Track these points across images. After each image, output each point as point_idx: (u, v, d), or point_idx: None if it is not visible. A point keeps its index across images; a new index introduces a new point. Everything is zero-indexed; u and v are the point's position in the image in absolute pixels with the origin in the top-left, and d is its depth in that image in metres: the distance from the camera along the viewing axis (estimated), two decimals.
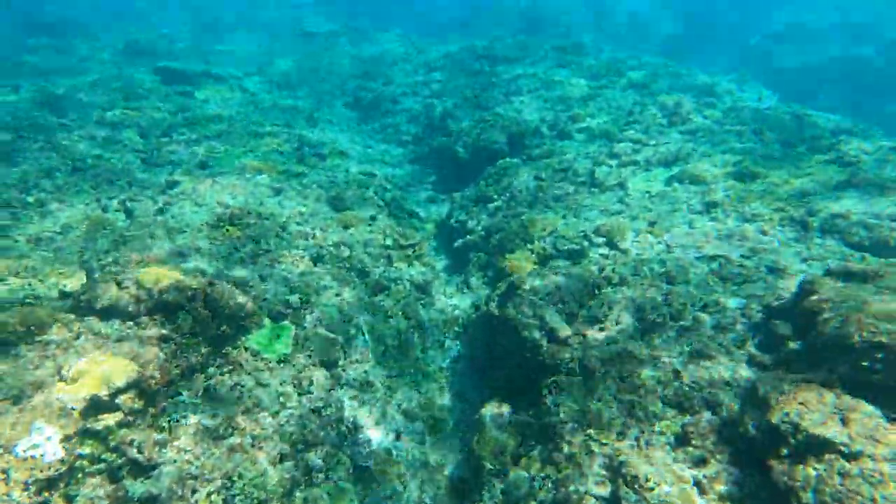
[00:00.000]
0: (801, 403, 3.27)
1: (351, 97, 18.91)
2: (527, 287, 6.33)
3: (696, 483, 3.60)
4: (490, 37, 21.95)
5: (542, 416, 4.99)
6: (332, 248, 7.79)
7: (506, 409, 5.65)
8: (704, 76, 15.55)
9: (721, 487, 3.52)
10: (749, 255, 6.28)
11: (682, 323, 5.38)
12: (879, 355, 3.33)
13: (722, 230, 6.96)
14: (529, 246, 8.34)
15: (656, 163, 9.60)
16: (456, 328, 8.09)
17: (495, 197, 10.34)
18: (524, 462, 4.66)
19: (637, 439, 4.11)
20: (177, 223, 7.22)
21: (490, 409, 5.60)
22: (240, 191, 8.55)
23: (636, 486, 3.64)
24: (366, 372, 6.15)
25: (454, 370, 7.26)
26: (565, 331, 5.78)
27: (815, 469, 2.92)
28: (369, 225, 8.85)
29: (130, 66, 18.18)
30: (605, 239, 7.52)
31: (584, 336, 5.71)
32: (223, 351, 5.24)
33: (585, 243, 7.64)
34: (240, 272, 6.39)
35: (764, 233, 6.68)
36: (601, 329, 5.75)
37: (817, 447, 3.03)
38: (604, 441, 4.19)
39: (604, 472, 4.01)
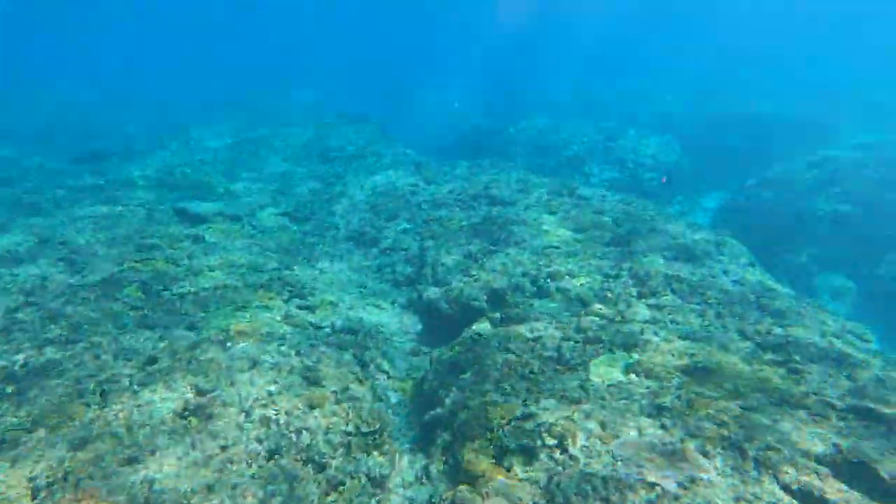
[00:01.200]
0: None
1: (356, 231, 20.04)
2: None
3: None
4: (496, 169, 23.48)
5: None
6: (292, 437, 8.06)
7: None
8: (684, 229, 16.23)
9: None
10: (687, 484, 6.33)
11: None
12: None
13: (666, 445, 7.06)
14: (489, 435, 8.48)
15: (619, 345, 9.90)
16: None
17: (466, 367, 10.64)
18: None
19: None
20: (141, 417, 7.64)
21: None
22: (214, 368, 9.04)
23: None
24: None
25: None
26: None
27: None
28: (336, 403, 9.15)
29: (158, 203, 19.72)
30: (557, 441, 7.65)
31: None
32: None
33: (539, 442, 7.77)
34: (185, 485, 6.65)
35: (705, 455, 6.76)
36: None
37: None
38: None
39: None
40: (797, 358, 8.43)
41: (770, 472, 6.22)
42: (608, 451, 7.22)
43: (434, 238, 18.30)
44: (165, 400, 7.99)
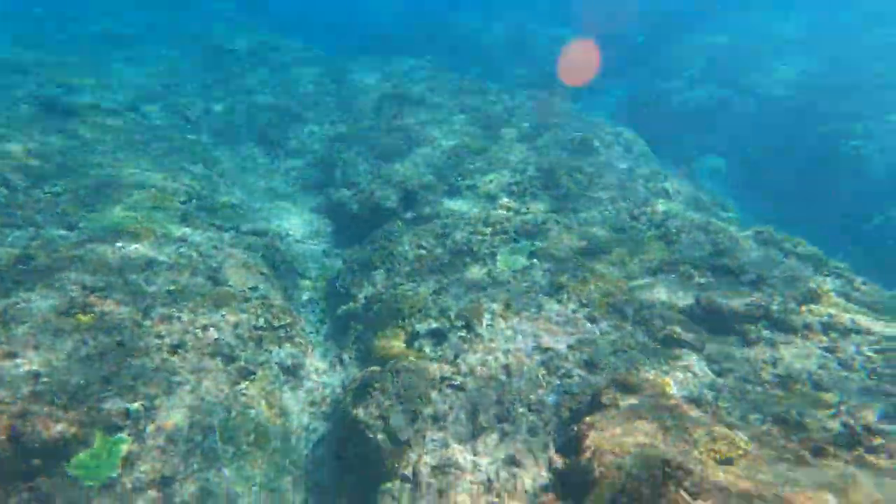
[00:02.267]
0: None
1: (256, 133, 18.71)
2: (377, 386, 6.77)
3: None
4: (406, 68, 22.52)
5: None
6: (198, 333, 7.88)
7: None
8: (586, 123, 16.87)
9: None
10: (575, 345, 7.06)
11: (504, 425, 6.00)
12: (608, 489, 4.01)
13: (562, 317, 7.74)
14: (401, 323, 8.82)
15: (522, 234, 10.41)
16: (324, 408, 8.42)
17: (378, 264, 10.77)
18: None
19: None
20: (20, 312, 7.06)
21: None
22: (104, 268, 8.42)
23: None
24: (206, 481, 6.31)
25: (314, 458, 7.58)
26: (406, 433, 6.27)
27: None
28: (246, 301, 8.98)
29: None
30: (464, 322, 8.11)
31: (424, 436, 6.22)
32: (30, 485, 5.24)
33: (447, 325, 8.21)
34: (77, 378, 6.37)
35: (593, 321, 7.51)
36: (440, 429, 6.29)
37: None
38: None
39: None
40: (673, 230, 9.41)
41: (643, 326, 7.08)
42: (510, 327, 7.80)
43: (343, 140, 17.61)
44: (47, 298, 7.40)
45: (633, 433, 4.48)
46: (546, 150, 14.49)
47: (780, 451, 4.09)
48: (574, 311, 7.77)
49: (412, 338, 8.34)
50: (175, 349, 7.41)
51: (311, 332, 10.21)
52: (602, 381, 6.35)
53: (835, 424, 5.03)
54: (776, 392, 5.64)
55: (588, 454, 4.40)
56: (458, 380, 6.92)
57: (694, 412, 4.83)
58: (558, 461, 5.06)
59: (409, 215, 12.53)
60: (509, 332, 7.65)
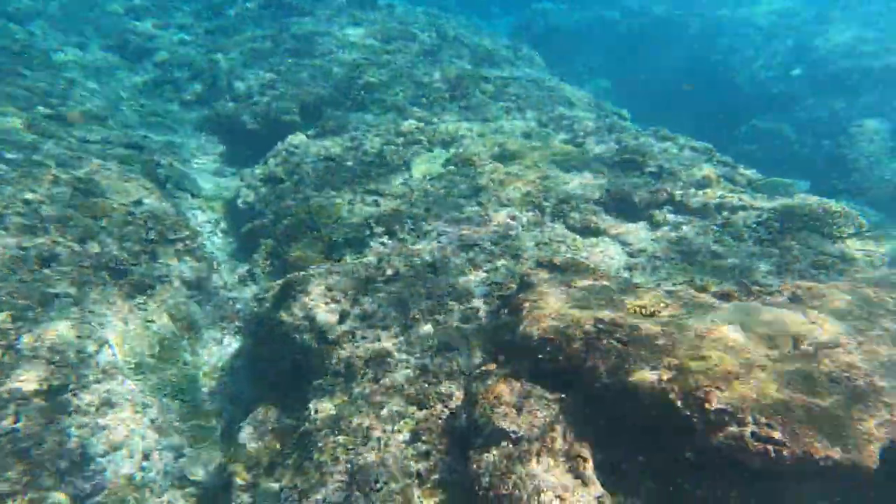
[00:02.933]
0: (495, 398, 4.02)
1: (114, 39, 16.06)
2: (299, 289, 6.41)
3: (418, 475, 4.27)
4: None
5: (304, 421, 5.27)
6: (73, 245, 6.85)
7: (274, 413, 5.83)
8: (487, 40, 16.64)
9: (436, 476, 4.22)
10: (498, 241, 7.18)
11: (436, 317, 6.01)
12: (548, 349, 4.20)
13: (483, 216, 7.79)
14: (316, 234, 8.36)
15: (436, 142, 10.19)
16: (237, 323, 7.91)
17: (284, 178, 10.01)
18: (278, 472, 4.91)
19: (379, 440, 4.61)
20: None
21: (255, 417, 5.73)
22: None
23: (366, 490, 4.16)
24: (108, 392, 5.71)
25: (232, 369, 7.16)
26: (335, 331, 6.05)
27: (493, 455, 3.68)
28: (129, 214, 7.92)
29: None
30: (385, 228, 7.87)
31: (354, 335, 6.06)
32: None
33: (367, 232, 7.92)
34: None
35: (514, 218, 7.66)
36: (370, 326, 6.15)
37: (498, 436, 3.78)
38: (350, 447, 4.61)
39: (344, 479, 4.44)
40: (581, 133, 9.79)
41: (561, 219, 7.37)
42: (433, 230, 7.71)
43: (222, 51, 15.71)
44: None
45: (566, 302, 4.68)
46: (450, 62, 14.11)
47: (692, 303, 4.52)
48: (495, 211, 7.85)
49: (331, 248, 7.97)
50: (46, 263, 6.37)
51: (215, 252, 9.40)
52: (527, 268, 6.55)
53: (731, 286, 5.68)
54: (683, 265, 6.22)
55: (527, 322, 4.53)
56: (385, 277, 6.77)
57: (616, 285, 5.16)
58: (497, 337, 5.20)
59: (312, 131, 11.68)
60: (433, 235, 7.57)
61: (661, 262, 6.39)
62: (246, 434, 5.80)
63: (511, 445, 3.69)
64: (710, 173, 7.94)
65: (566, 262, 5.74)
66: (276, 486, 4.89)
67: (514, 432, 3.75)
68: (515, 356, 4.53)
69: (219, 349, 7.79)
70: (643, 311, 4.29)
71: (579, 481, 3.36)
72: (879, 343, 3.65)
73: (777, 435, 2.85)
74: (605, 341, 4.00)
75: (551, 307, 4.62)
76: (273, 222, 9.30)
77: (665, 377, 3.43)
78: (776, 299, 4.78)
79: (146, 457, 5.77)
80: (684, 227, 6.88)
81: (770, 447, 2.82)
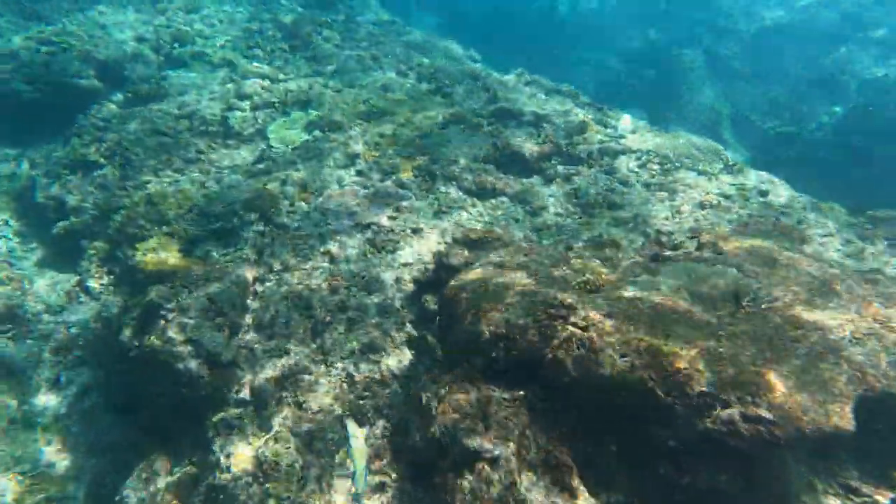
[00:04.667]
0: (454, 410, 3.63)
1: None
2: (170, 307, 5.18)
3: None
4: None
5: (212, 469, 4.37)
6: None
7: (163, 464, 4.77)
8: None
9: None
10: (395, 215, 6.56)
11: (349, 314, 5.33)
12: (501, 344, 3.87)
13: (369, 188, 7.04)
14: (167, 228, 6.85)
15: (291, 104, 8.92)
16: (75, 353, 6.33)
17: (102, 160, 7.97)
18: None
19: (319, 481, 3.98)
20: None
21: (139, 476, 4.63)
22: None
23: None
24: None
25: (83, 413, 5.79)
26: (230, 351, 5.06)
27: (469, 482, 3.31)
28: None
29: None
30: (257, 213, 6.71)
31: (253, 352, 5.13)
32: None
33: (236, 220, 6.69)
34: None
35: (402, 186, 7.04)
36: (270, 336, 5.25)
37: (470, 457, 3.42)
38: (284, 496, 3.92)
39: None
40: (447, 82, 9.29)
41: (454, 182, 6.97)
42: (316, 209, 6.78)
43: None
44: None
45: (506, 287, 4.36)
46: (278, 3, 12.29)
47: (631, 270, 4.54)
48: (381, 181, 7.14)
49: (191, 244, 6.59)
50: None
51: (13, 263, 7.31)
52: (435, 245, 6.11)
53: (637, 237, 5.90)
54: (584, 219, 6.29)
55: (469, 318, 4.15)
56: (276, 275, 5.81)
57: (547, 252, 4.97)
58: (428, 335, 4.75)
59: (119, 96, 9.40)
60: (317, 215, 6.65)
61: (562, 217, 6.39)
62: (133, 501, 4.69)
63: (488, 468, 3.34)
64: (584, 118, 8.08)
65: (481, 235, 5.40)
66: None
67: (487, 451, 3.40)
68: (463, 354, 4.14)
69: (57, 393, 6.23)
70: (588, 286, 4.15)
71: (567, 494, 3.16)
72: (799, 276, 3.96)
73: (765, 413, 2.92)
74: (561, 328, 3.78)
75: (493, 295, 4.26)
76: (98, 219, 7.43)
77: (638, 363, 3.34)
78: (694, 253, 4.89)
79: None
80: (575, 179, 6.94)
81: (762, 429, 2.88)
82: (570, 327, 3.77)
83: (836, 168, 11.97)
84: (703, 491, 3.07)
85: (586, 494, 3.18)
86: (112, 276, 6.89)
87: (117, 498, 4.62)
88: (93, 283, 6.87)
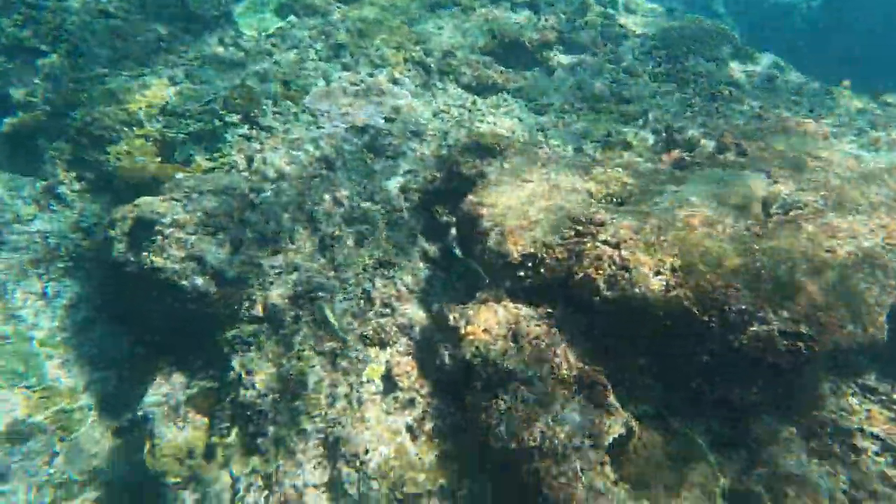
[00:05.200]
0: (485, 331, 3.65)
1: None
2: (167, 222, 4.86)
3: (409, 429, 3.87)
4: None
5: (229, 384, 4.40)
6: None
7: (180, 378, 4.76)
8: None
9: (429, 426, 3.85)
10: (393, 116, 6.13)
11: (357, 227, 5.14)
12: (529, 264, 3.85)
13: (359, 85, 6.48)
14: (139, 131, 6.22)
15: None
16: (61, 263, 6.01)
17: (44, 46, 6.93)
18: (220, 454, 4.16)
19: (348, 398, 4.05)
20: None
21: (157, 389, 4.62)
22: None
23: (357, 464, 3.70)
24: None
25: (77, 325, 5.64)
26: (234, 266, 4.87)
27: (504, 402, 3.40)
28: None
29: None
30: (239, 114, 6.14)
31: (260, 266, 4.96)
32: None
33: (217, 122, 6.11)
34: None
35: (395, 82, 6.51)
36: (277, 251, 5.06)
37: (503, 378, 3.45)
38: (314, 413, 3.99)
39: (320, 453, 3.90)
40: None
41: (452, 77, 6.47)
42: (305, 110, 6.22)
43: None
44: None
45: (528, 202, 4.20)
46: None
47: (655, 178, 4.42)
48: (371, 75, 6.55)
49: (170, 148, 6.05)
50: None
51: None
52: (436, 148, 5.80)
53: (647, 134, 5.70)
54: (591, 115, 6.00)
55: (493, 237, 4.02)
56: (273, 183, 5.46)
57: (565, 161, 4.76)
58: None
59: None
60: (307, 117, 6.14)
61: (566, 116, 6.08)
62: (156, 411, 4.71)
63: (524, 388, 3.42)
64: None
65: (490, 142, 5.11)
66: (225, 474, 4.15)
67: (521, 371, 3.47)
68: (489, 274, 4.08)
69: (47, 306, 5.99)
70: (614, 198, 4.05)
71: (603, 412, 3.28)
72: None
73: (804, 329, 3.04)
74: (591, 246, 3.73)
75: (517, 212, 4.12)
76: (53, 115, 6.64)
77: (673, 281, 3.36)
78: (718, 157, 4.74)
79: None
80: (578, 69, 6.51)
81: (801, 344, 3.01)
82: (601, 245, 3.73)
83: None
84: (730, 401, 3.28)
85: (622, 412, 3.31)
86: (84, 182, 6.35)
87: (140, 413, 4.63)
88: (64, 190, 6.33)
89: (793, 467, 3.16)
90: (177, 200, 5.00)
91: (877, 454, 3.16)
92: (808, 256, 3.38)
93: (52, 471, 4.94)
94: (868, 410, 3.34)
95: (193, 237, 4.83)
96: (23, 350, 5.71)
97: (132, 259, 4.94)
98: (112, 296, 5.81)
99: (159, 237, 4.83)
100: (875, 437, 3.21)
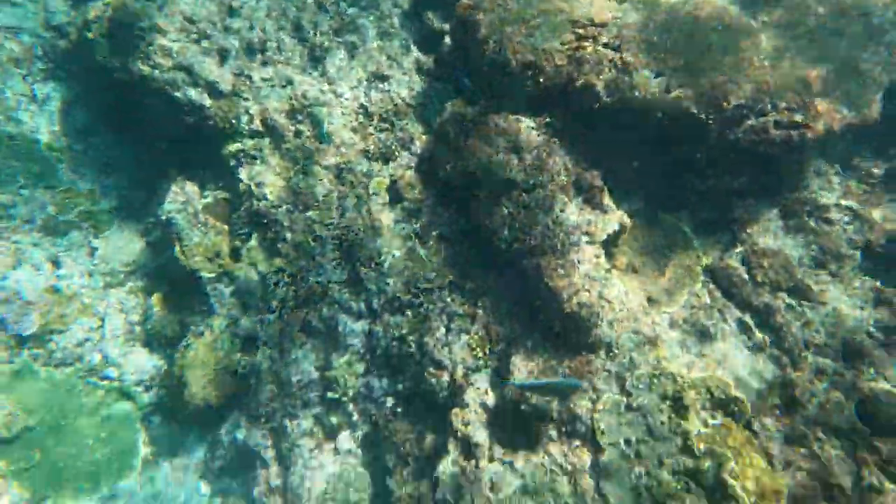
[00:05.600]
0: (487, 144, 3.72)
1: None
2: (145, 26, 4.59)
3: (417, 235, 4.17)
4: None
5: (241, 195, 4.74)
6: None
7: (192, 185, 5.04)
8: None
9: (435, 232, 4.14)
10: None
11: (348, 38, 4.89)
12: (529, 73, 3.74)
13: None
14: None
15: None
16: (41, 65, 5.75)
17: None
18: (250, 257, 4.66)
19: (357, 207, 4.36)
20: None
21: (174, 198, 4.93)
22: None
23: (371, 266, 4.14)
24: None
25: (77, 131, 5.68)
26: (228, 81, 4.80)
27: (507, 207, 3.63)
28: None
29: None
30: None
31: (251, 79, 4.88)
32: None
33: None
34: None
35: None
36: (266, 62, 4.92)
37: (506, 185, 3.64)
38: (326, 222, 4.35)
39: (338, 257, 4.28)
40: None
41: None
42: None
43: None
44: None
45: (527, 3, 3.90)
46: None
47: None
48: None
49: None
50: None
51: None
52: None
53: None
54: None
55: (491, 45, 3.81)
56: None
57: None
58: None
59: None
60: None
61: None
62: (179, 217, 5.13)
63: (525, 195, 3.59)
64: None
65: None
66: (253, 271, 4.70)
67: (522, 180, 3.62)
68: (485, 81, 4.03)
69: (39, 110, 5.92)
70: None
71: (599, 212, 3.52)
72: None
73: (799, 118, 3.09)
74: (592, 50, 3.59)
75: (514, 18, 3.90)
76: None
77: (674, 82, 3.34)
78: None
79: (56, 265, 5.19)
80: None
81: (793, 133, 3.07)
82: (601, 48, 3.61)
83: None
84: (719, 191, 3.51)
85: (616, 210, 3.58)
86: None
87: (163, 217, 5.01)
88: None
89: (770, 243, 3.49)
90: (151, 1, 4.65)
91: (847, 223, 3.46)
92: (815, 37, 3.32)
93: (96, 261, 5.56)
94: (846, 185, 3.57)
95: (176, 45, 4.65)
96: (34, 151, 5.83)
97: (118, 65, 4.80)
98: (105, 102, 5.70)
99: (141, 42, 4.63)
100: (848, 208, 3.49)
